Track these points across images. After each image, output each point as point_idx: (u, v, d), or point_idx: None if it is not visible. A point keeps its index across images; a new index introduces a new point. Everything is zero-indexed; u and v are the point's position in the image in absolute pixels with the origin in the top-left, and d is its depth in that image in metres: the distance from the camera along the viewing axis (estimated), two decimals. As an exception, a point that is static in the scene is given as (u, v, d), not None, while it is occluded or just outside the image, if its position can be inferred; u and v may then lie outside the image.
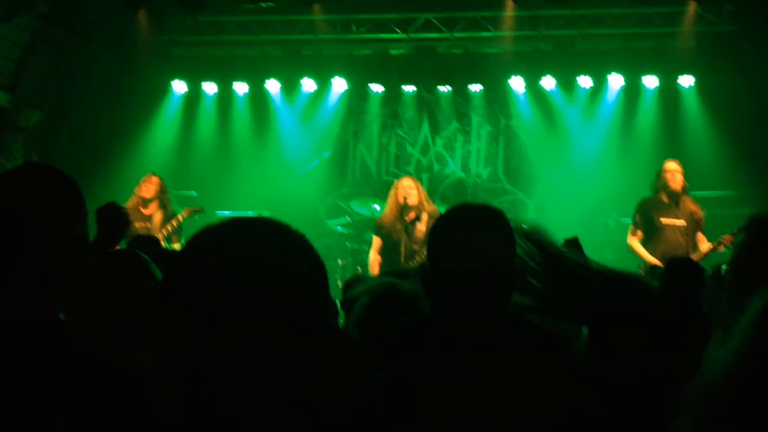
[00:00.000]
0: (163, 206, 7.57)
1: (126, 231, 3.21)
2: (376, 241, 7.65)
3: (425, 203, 7.62)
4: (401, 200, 7.47)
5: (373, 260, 7.59)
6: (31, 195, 1.65)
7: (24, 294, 1.55)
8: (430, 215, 7.45)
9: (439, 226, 1.96)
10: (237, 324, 1.17)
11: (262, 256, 1.22)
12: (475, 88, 10.89)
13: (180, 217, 7.51)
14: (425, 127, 11.15)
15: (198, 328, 1.18)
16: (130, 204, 7.37)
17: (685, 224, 7.09)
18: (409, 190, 7.53)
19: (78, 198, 1.70)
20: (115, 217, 2.85)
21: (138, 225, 7.17)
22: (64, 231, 1.63)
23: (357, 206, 10.03)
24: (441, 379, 1.74)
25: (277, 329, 1.18)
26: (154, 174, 7.83)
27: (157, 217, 7.50)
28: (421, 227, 7.43)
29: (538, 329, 2.02)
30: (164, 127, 10.95)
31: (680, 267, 4.44)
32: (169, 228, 7.37)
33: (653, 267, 6.84)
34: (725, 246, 6.83)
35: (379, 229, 7.68)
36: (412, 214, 7.49)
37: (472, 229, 1.90)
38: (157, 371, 1.37)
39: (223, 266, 1.20)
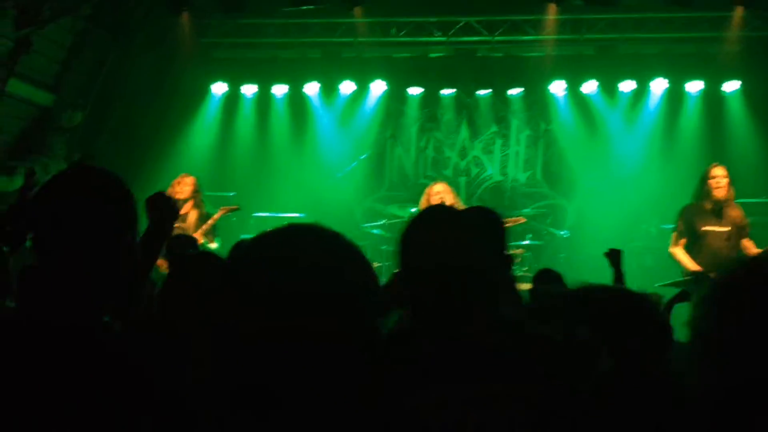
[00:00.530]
0: (197, 206, 7.59)
1: (176, 221, 3.20)
2: None
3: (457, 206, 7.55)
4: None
5: None
6: (82, 199, 1.62)
7: (66, 301, 1.53)
8: None
9: (406, 229, 1.95)
10: (289, 337, 1.15)
11: (316, 268, 1.20)
12: (515, 91, 10.82)
13: (216, 216, 7.53)
14: (464, 131, 11.09)
15: (250, 341, 1.17)
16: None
17: (729, 230, 6.92)
18: (443, 195, 7.46)
19: (129, 204, 1.67)
20: (167, 207, 2.83)
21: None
22: (113, 237, 1.61)
23: (395, 210, 10.00)
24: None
25: (327, 339, 1.16)
26: (188, 174, 7.85)
27: (192, 216, 7.52)
28: None
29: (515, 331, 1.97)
30: (204, 129, 11.05)
31: None
32: (205, 227, 7.39)
33: (697, 273, 6.69)
34: None
35: None
36: None
37: (433, 230, 1.89)
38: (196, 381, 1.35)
39: (277, 280, 1.19)
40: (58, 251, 1.53)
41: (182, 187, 7.59)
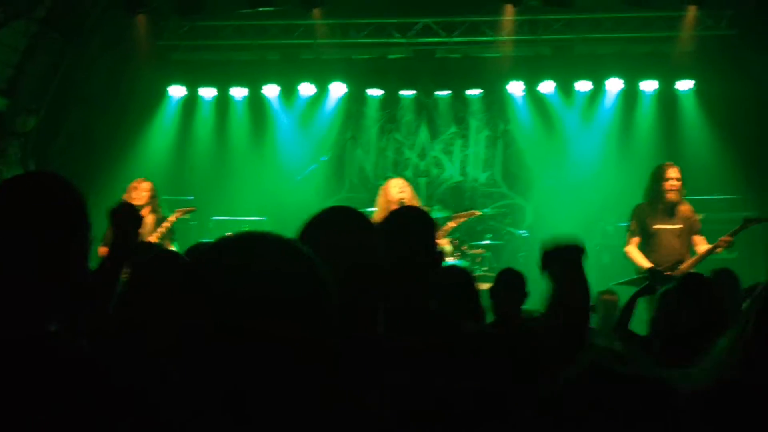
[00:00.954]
0: (154, 211, 7.51)
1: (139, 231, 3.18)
2: None
3: (416, 202, 7.49)
4: (395, 198, 7.25)
5: None
6: (31, 205, 1.59)
7: (17, 310, 1.50)
8: None
9: (304, 228, 1.96)
10: (244, 337, 1.17)
11: (277, 273, 1.22)
12: (474, 92, 10.90)
13: (172, 218, 7.45)
14: (423, 132, 11.14)
15: (215, 342, 1.18)
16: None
17: (680, 227, 7.07)
18: (404, 188, 7.31)
19: (81, 210, 1.65)
20: (131, 217, 2.83)
21: None
22: (65, 244, 1.59)
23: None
24: None
25: (280, 343, 1.18)
26: (144, 179, 7.76)
27: (149, 221, 7.43)
28: None
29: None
30: (162, 132, 10.93)
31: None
32: (162, 230, 7.31)
33: (653, 270, 6.81)
34: (722, 248, 6.82)
35: None
36: None
37: (333, 229, 1.92)
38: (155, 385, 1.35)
39: (238, 283, 1.20)
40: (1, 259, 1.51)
41: (139, 193, 7.49)
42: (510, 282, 4.65)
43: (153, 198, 7.55)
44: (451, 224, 7.47)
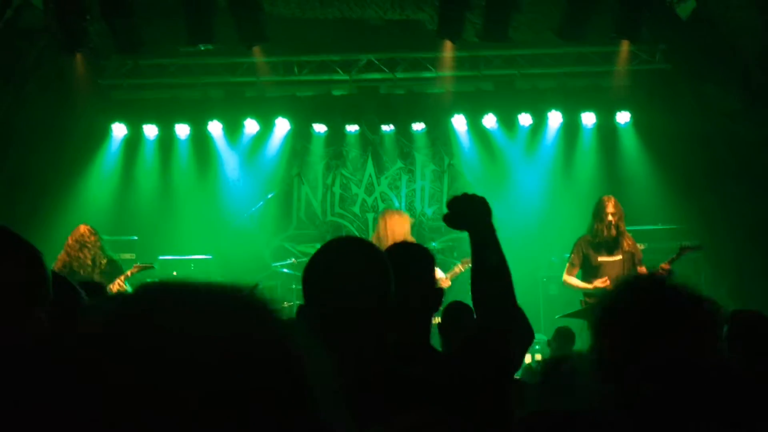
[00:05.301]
0: (94, 252, 7.51)
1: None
2: None
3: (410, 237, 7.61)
4: (390, 233, 7.35)
5: None
6: None
7: None
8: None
9: (311, 259, 1.95)
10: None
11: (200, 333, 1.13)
12: (418, 127, 11.00)
13: (128, 273, 7.45)
14: (369, 167, 11.18)
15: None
16: (61, 257, 7.36)
17: (623, 259, 7.23)
18: (404, 223, 7.54)
19: (41, 273, 1.58)
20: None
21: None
22: (24, 307, 1.53)
23: (304, 248, 9.97)
24: None
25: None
26: (83, 224, 7.72)
27: (88, 260, 7.44)
28: None
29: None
30: (104, 171, 10.75)
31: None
32: (119, 286, 7.27)
33: (598, 290, 6.93)
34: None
35: None
36: None
37: (335, 261, 1.90)
38: None
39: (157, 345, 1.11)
40: None
41: (79, 238, 7.48)
42: (458, 315, 4.57)
43: (93, 242, 7.53)
44: (461, 268, 7.58)
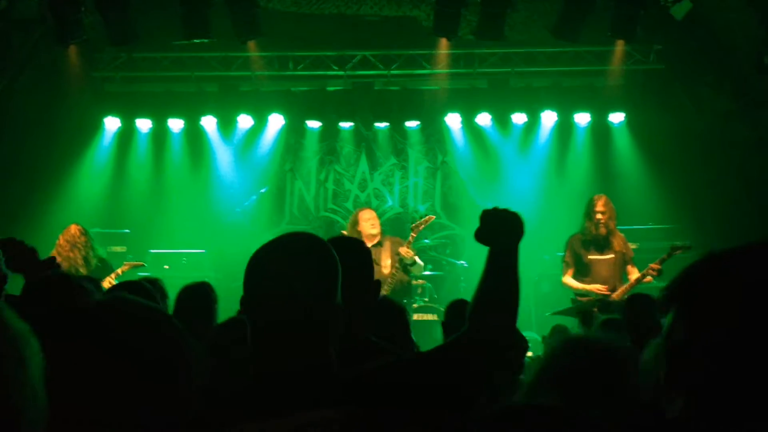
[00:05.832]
0: (84, 250, 7.47)
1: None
2: None
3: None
4: (367, 233, 7.51)
5: None
6: None
7: None
8: (392, 242, 7.66)
9: (253, 256, 1.87)
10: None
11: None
12: (412, 124, 11.00)
13: (119, 271, 7.42)
14: (363, 163, 11.18)
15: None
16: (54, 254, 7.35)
17: (613, 257, 7.30)
18: (375, 224, 7.68)
19: None
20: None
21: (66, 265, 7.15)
22: None
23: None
24: None
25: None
26: (74, 224, 7.68)
27: (79, 260, 7.42)
28: (386, 253, 7.54)
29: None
30: (97, 164, 10.72)
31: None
32: (109, 283, 7.24)
33: (603, 301, 6.99)
34: (651, 276, 7.03)
35: None
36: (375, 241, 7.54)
37: (279, 258, 1.83)
38: None
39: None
40: None
41: (69, 238, 7.45)
42: (462, 312, 4.52)
43: (83, 242, 7.52)
44: (413, 234, 7.57)
